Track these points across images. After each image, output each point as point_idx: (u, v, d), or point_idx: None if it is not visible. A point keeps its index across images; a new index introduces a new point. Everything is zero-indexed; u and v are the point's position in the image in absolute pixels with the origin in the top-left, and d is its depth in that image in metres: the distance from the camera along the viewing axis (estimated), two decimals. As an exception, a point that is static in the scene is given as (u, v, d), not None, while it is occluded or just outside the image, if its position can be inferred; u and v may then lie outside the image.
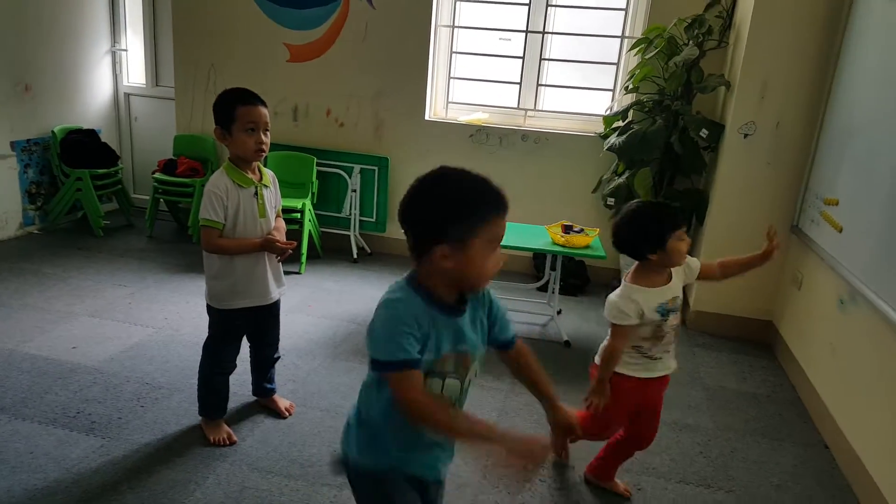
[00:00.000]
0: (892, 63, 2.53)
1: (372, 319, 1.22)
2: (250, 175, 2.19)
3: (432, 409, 1.18)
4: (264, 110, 2.14)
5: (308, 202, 4.30)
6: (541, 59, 4.47)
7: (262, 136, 2.13)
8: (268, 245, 2.18)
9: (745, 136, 3.47)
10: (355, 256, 4.59)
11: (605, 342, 2.04)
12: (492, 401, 2.74)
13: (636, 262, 1.99)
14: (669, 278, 1.98)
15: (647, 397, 2.07)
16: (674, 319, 1.98)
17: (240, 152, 2.14)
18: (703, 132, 3.61)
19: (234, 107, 2.09)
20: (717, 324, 3.66)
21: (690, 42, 3.68)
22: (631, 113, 4.00)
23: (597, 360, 2.08)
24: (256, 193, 2.19)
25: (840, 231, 2.75)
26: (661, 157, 3.84)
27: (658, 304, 1.93)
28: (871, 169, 2.57)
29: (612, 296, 1.98)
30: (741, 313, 3.64)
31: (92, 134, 4.84)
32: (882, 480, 2.16)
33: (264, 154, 2.17)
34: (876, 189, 2.47)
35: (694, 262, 2.05)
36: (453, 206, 1.17)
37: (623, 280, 2.02)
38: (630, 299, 1.92)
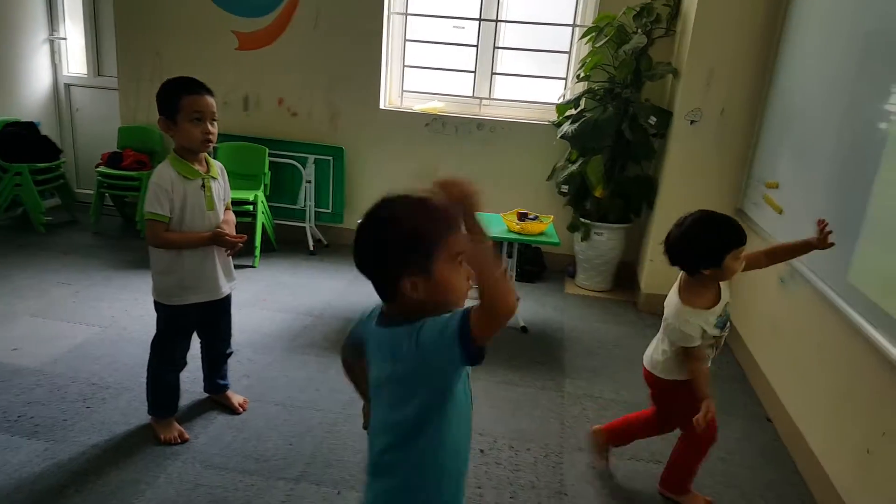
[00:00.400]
0: (828, 50, 2.62)
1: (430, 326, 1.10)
2: (197, 167, 2.14)
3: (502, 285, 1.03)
4: (211, 99, 2.09)
5: (261, 194, 4.23)
6: (494, 48, 4.47)
7: (209, 127, 2.08)
8: (217, 238, 2.13)
9: (692, 122, 3.55)
10: (312, 248, 4.54)
11: (655, 346, 2.06)
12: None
13: (683, 274, 1.95)
14: (719, 289, 1.95)
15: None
16: (727, 327, 1.98)
17: (186, 143, 2.09)
18: (652, 119, 3.68)
19: (179, 96, 2.04)
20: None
21: (639, 30, 3.74)
22: (583, 101, 4.05)
23: (647, 365, 2.08)
24: (204, 185, 2.14)
25: (781, 213, 2.85)
26: (613, 144, 3.90)
27: (717, 320, 1.93)
28: (808, 152, 2.66)
29: (672, 320, 1.93)
30: (691, 296, 3.73)
31: (31, 126, 4.65)
32: (819, 450, 2.25)
33: (212, 145, 2.12)
34: (813, 172, 2.56)
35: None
36: (404, 241, 1.11)
37: (676, 298, 1.95)
38: (690, 323, 1.89)
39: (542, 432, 2.48)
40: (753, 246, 2.00)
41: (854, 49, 2.33)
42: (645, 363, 2.10)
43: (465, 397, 1.20)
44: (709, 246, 1.85)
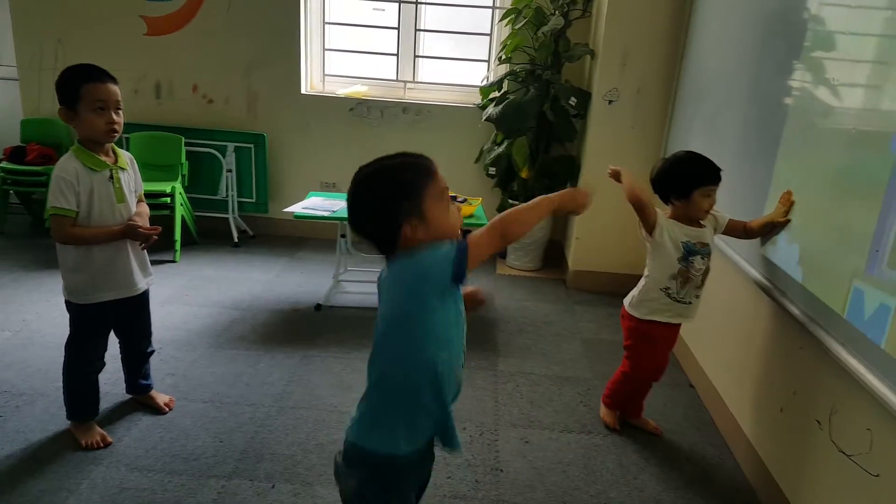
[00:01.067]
0: (733, 29, 2.74)
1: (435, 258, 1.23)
2: (103, 157, 2.03)
3: (510, 216, 1.28)
4: (114, 87, 1.98)
5: (178, 185, 4.06)
6: (416, 30, 4.44)
7: (114, 116, 1.97)
8: (129, 232, 2.03)
9: (610, 102, 3.64)
10: (236, 240, 4.41)
11: (636, 290, 2.27)
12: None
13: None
14: (699, 226, 2.14)
15: (669, 335, 2.27)
16: (700, 264, 2.13)
17: (89, 134, 1.98)
18: (572, 100, 3.75)
19: (79, 84, 1.92)
20: (593, 281, 3.87)
21: (556, 12, 3.79)
22: (506, 83, 4.08)
23: (626, 306, 2.29)
24: (112, 177, 2.03)
25: (696, 188, 2.96)
26: (536, 125, 3.95)
27: (685, 239, 2.10)
28: (718, 128, 2.77)
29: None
30: (614, 269, 3.85)
31: (-81, 121, 4.31)
32: (737, 412, 2.38)
33: (117, 135, 2.01)
34: (723, 146, 2.67)
35: (722, 217, 2.19)
36: (395, 192, 1.26)
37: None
38: (662, 226, 2.11)
39: (477, 411, 2.51)
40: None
41: (757, 28, 2.44)
42: (624, 302, 2.33)
43: (457, 315, 1.32)
44: (681, 177, 2.10)
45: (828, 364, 1.73)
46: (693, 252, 2.11)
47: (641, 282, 2.25)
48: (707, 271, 2.17)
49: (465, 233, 1.26)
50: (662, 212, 2.15)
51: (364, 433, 1.30)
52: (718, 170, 2.09)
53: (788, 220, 1.98)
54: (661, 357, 2.31)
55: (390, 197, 1.26)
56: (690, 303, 2.18)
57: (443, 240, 1.26)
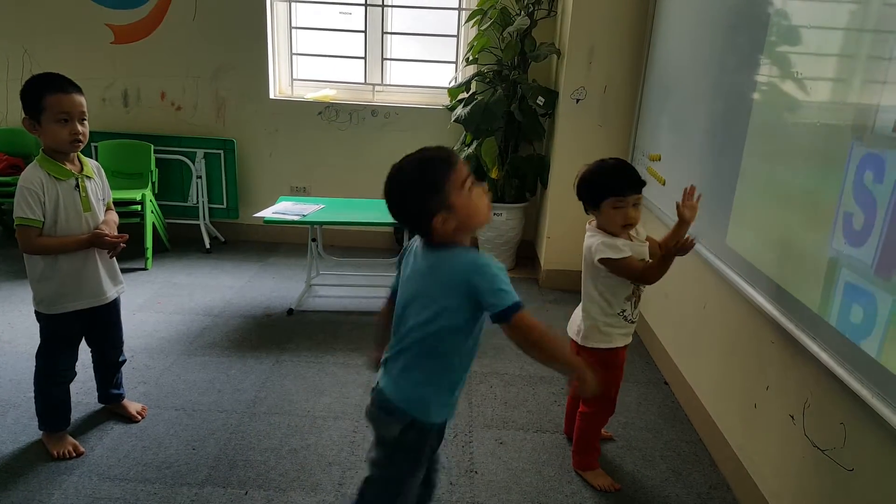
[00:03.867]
0: (698, 25, 2.77)
1: (483, 278, 1.34)
2: (69, 166, 2.01)
3: (550, 335, 1.39)
4: (79, 98, 1.97)
5: (148, 192, 4.03)
6: (383, 33, 4.45)
7: (78, 126, 1.96)
8: (96, 240, 2.02)
9: (578, 100, 3.69)
10: (208, 246, 4.38)
11: (577, 314, 2.11)
12: (357, 377, 2.76)
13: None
14: (644, 240, 2.02)
15: (623, 360, 2.12)
16: None
17: (53, 145, 1.96)
18: (540, 100, 3.79)
19: (42, 95, 1.91)
20: (565, 279, 3.90)
21: (521, 12, 3.83)
22: (473, 84, 4.11)
23: (571, 334, 2.11)
24: (78, 185, 2.02)
25: (664, 184, 3.01)
26: (505, 125, 3.99)
27: (638, 258, 1.94)
28: (685, 124, 2.82)
29: (593, 242, 1.95)
30: (587, 268, 3.88)
31: None
32: (712, 409, 2.40)
33: (81, 145, 1.99)
34: (690, 142, 2.71)
35: (642, 240, 2.02)
36: (420, 190, 1.34)
37: (592, 238, 1.99)
38: (615, 244, 1.91)
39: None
40: (642, 219, 2.05)
41: (721, 23, 2.46)
42: (570, 333, 2.15)
43: (479, 330, 1.47)
44: (590, 187, 1.96)
45: (799, 358, 1.74)
46: None
47: (585, 310, 2.06)
48: None
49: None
50: (601, 235, 1.96)
51: (402, 396, 1.44)
52: (630, 182, 1.90)
53: (695, 211, 1.96)
54: (619, 381, 2.16)
55: (417, 195, 1.34)
56: (636, 321, 2.07)
57: (474, 227, 1.40)
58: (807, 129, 1.78)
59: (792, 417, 1.79)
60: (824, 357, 1.57)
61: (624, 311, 2.02)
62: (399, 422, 1.43)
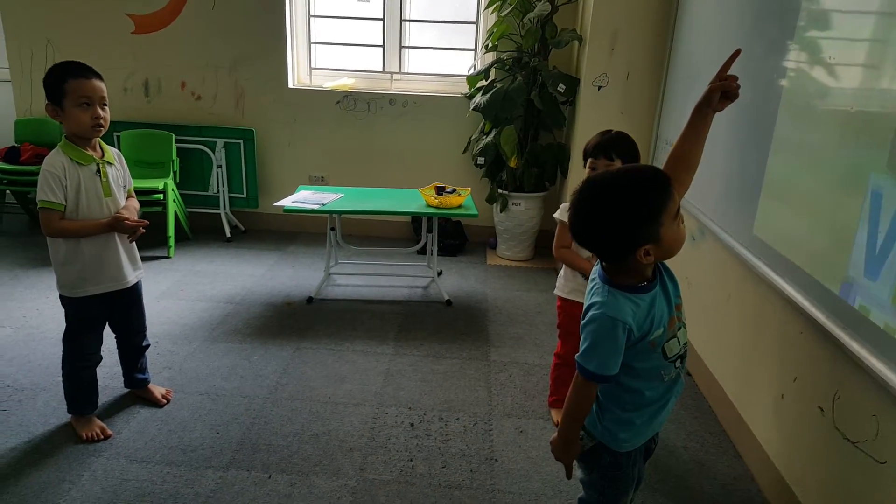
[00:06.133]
0: (721, 7, 2.72)
1: (586, 329, 1.27)
2: (90, 152, 2.04)
3: (575, 407, 1.34)
4: (99, 83, 2.00)
5: (170, 182, 4.06)
6: (401, 20, 4.44)
7: (99, 111, 1.99)
8: (115, 224, 2.05)
9: (599, 88, 3.65)
10: (228, 235, 4.42)
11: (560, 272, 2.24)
12: (376, 364, 2.77)
13: None
14: None
15: None
16: None
17: (75, 129, 1.99)
18: (561, 87, 3.75)
19: (65, 80, 1.94)
20: (586, 269, 3.88)
21: (543, -2, 3.79)
22: (493, 72, 4.09)
23: (557, 291, 2.28)
24: (99, 171, 2.05)
25: (685, 172, 2.97)
26: (524, 113, 3.96)
27: None
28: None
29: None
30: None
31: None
32: (736, 399, 2.37)
33: (103, 130, 2.02)
34: (715, 130, 2.64)
35: None
36: (632, 219, 1.19)
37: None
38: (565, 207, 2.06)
39: (471, 401, 2.53)
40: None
41: (749, 7, 2.41)
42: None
43: (656, 380, 1.36)
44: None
45: (829, 349, 1.71)
46: None
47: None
48: None
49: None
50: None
51: None
52: (602, 142, 2.06)
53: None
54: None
55: (629, 222, 1.19)
56: None
57: (668, 257, 1.26)
58: (840, 116, 1.73)
59: (821, 409, 1.76)
60: (856, 347, 1.55)
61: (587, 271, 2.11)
62: None
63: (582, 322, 1.28)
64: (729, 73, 1.38)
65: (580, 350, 1.27)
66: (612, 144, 2.04)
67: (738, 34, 2.51)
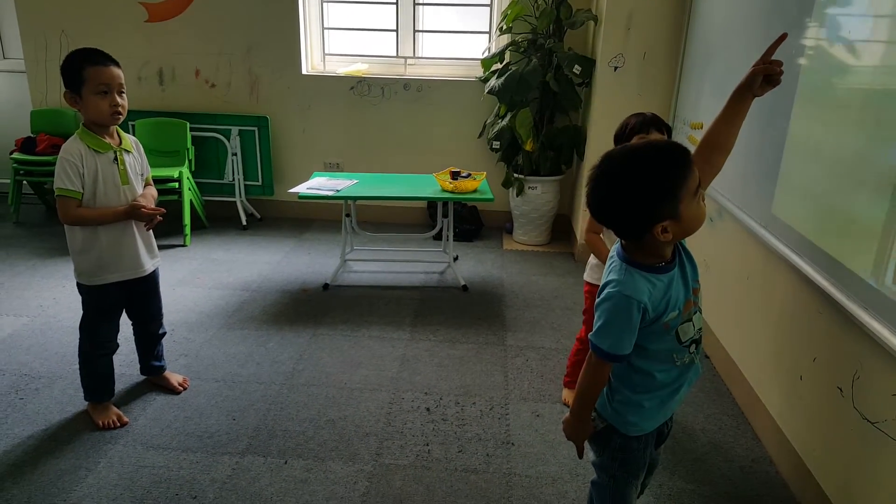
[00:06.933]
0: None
1: (601, 307, 1.24)
2: (108, 140, 2.04)
3: (588, 386, 1.33)
4: (117, 70, 1.99)
5: (185, 170, 4.07)
6: (415, 4, 4.39)
7: (118, 98, 1.98)
8: (133, 212, 2.05)
9: (616, 68, 3.58)
10: (244, 223, 4.43)
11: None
12: (392, 350, 2.76)
13: None
14: None
15: None
16: None
17: (94, 117, 1.98)
18: (576, 68, 3.69)
19: (83, 68, 1.93)
20: (603, 253, 3.83)
21: (557, -21, 3.72)
22: (508, 54, 4.03)
23: (586, 277, 2.27)
24: (116, 159, 2.04)
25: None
26: (540, 96, 3.91)
27: None
28: (728, 89, 2.67)
29: None
30: (625, 241, 3.81)
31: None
32: (755, 381, 2.34)
33: (122, 117, 2.02)
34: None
35: None
36: (651, 193, 1.15)
37: None
38: None
39: (487, 386, 2.52)
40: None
41: None
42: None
43: (668, 363, 1.32)
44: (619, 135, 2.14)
45: (849, 328, 1.68)
46: None
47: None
48: None
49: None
50: None
51: None
52: (647, 118, 2.04)
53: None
54: None
55: (646, 197, 1.16)
56: None
57: (686, 235, 1.22)
58: (859, 93, 1.70)
59: (840, 389, 1.73)
60: (876, 327, 1.52)
61: None
62: None
63: (597, 300, 1.26)
64: (773, 57, 1.34)
65: (594, 329, 1.25)
66: (657, 119, 2.03)
67: (756, 9, 2.45)
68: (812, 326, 1.92)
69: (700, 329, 1.36)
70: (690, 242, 1.30)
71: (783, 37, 1.38)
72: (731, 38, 2.75)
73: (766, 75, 1.34)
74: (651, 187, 1.15)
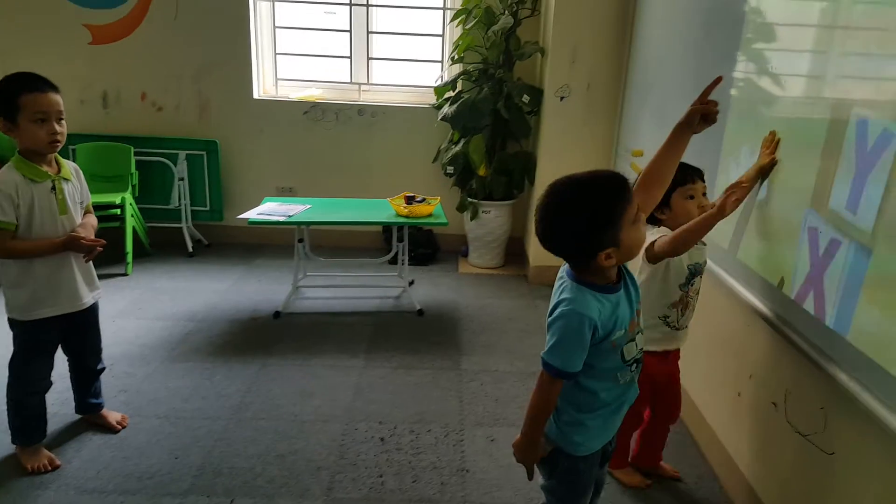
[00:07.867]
0: (673, 20, 2.78)
1: (554, 325, 1.28)
2: (45, 168, 1.95)
3: (539, 407, 1.36)
4: (55, 97, 1.91)
5: (128, 196, 3.94)
6: (368, 32, 4.40)
7: (56, 126, 1.90)
8: (71, 243, 1.96)
9: (562, 98, 3.67)
10: (191, 250, 4.31)
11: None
12: (346, 378, 2.71)
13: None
14: (702, 242, 1.87)
15: (666, 369, 1.99)
16: (697, 284, 1.90)
17: (30, 145, 1.90)
18: (525, 98, 3.76)
19: (19, 95, 1.85)
20: (553, 275, 3.84)
21: (505, 11, 3.80)
22: (460, 83, 4.08)
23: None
24: (54, 188, 1.96)
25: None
26: (492, 123, 3.95)
27: (690, 262, 1.84)
28: (666, 119, 2.80)
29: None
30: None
31: None
32: (699, 399, 2.39)
33: (59, 145, 1.94)
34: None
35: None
36: (593, 222, 1.22)
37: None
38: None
39: (442, 412, 2.49)
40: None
41: (698, 20, 2.47)
42: None
43: (611, 381, 1.36)
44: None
45: (781, 346, 1.75)
46: (696, 274, 1.88)
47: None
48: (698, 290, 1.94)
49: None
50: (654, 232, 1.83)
51: None
52: (692, 169, 1.83)
53: (775, 161, 1.74)
54: (668, 393, 2.05)
55: (588, 227, 1.23)
56: (685, 328, 1.96)
57: (629, 259, 1.29)
58: (783, 123, 1.79)
59: (774, 405, 1.81)
60: (803, 346, 1.59)
61: (667, 317, 1.91)
62: None
63: (549, 319, 1.30)
64: (709, 97, 1.45)
65: (546, 347, 1.29)
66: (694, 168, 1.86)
67: (690, 44, 2.56)
68: (748, 344, 2.01)
69: (642, 349, 1.41)
70: (634, 265, 1.34)
71: (719, 79, 1.50)
72: (668, 70, 2.85)
73: (703, 114, 1.43)
74: (593, 218, 1.23)
